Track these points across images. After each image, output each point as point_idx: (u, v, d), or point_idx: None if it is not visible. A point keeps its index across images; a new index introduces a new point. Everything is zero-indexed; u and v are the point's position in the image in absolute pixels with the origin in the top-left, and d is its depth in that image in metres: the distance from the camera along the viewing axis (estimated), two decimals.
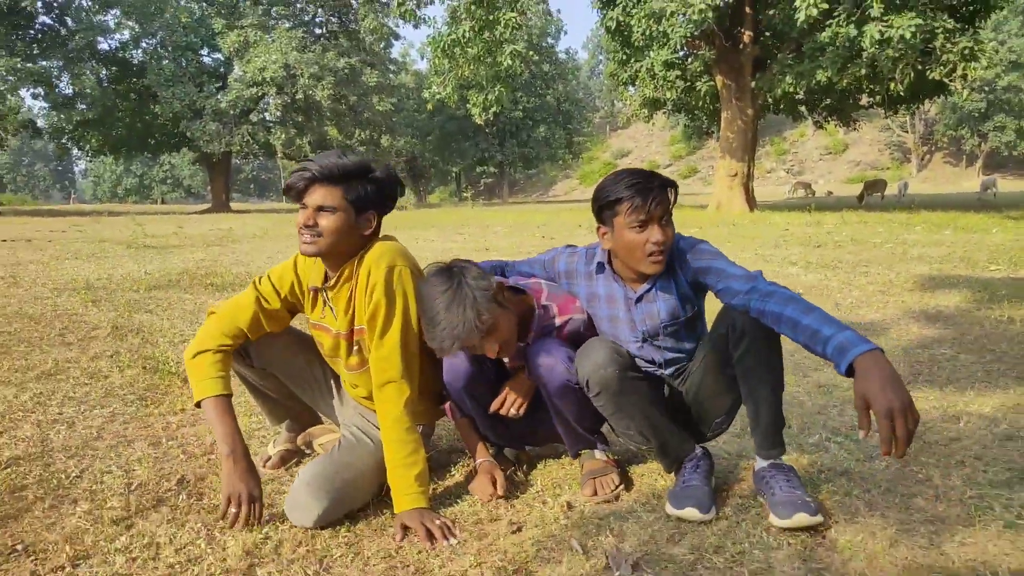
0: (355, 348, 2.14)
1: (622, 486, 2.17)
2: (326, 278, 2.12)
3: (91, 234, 12.76)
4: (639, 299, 2.12)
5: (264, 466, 2.39)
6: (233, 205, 38.60)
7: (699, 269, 2.03)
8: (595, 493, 2.12)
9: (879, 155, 58.87)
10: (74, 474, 2.32)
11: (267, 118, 35.49)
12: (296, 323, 2.35)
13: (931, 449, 2.45)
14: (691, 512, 1.96)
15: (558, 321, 2.18)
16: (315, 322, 2.20)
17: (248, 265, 8.04)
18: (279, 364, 2.30)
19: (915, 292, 5.72)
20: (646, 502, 2.12)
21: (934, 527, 1.91)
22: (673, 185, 2.05)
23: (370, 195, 2.01)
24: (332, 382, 2.37)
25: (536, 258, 2.42)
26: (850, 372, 1.61)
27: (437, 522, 1.92)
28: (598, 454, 2.26)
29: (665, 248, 2.01)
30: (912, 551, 1.78)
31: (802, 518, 1.84)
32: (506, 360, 2.21)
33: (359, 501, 2.07)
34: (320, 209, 1.97)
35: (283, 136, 33.85)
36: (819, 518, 1.86)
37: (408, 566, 1.78)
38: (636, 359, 2.17)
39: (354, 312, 2.09)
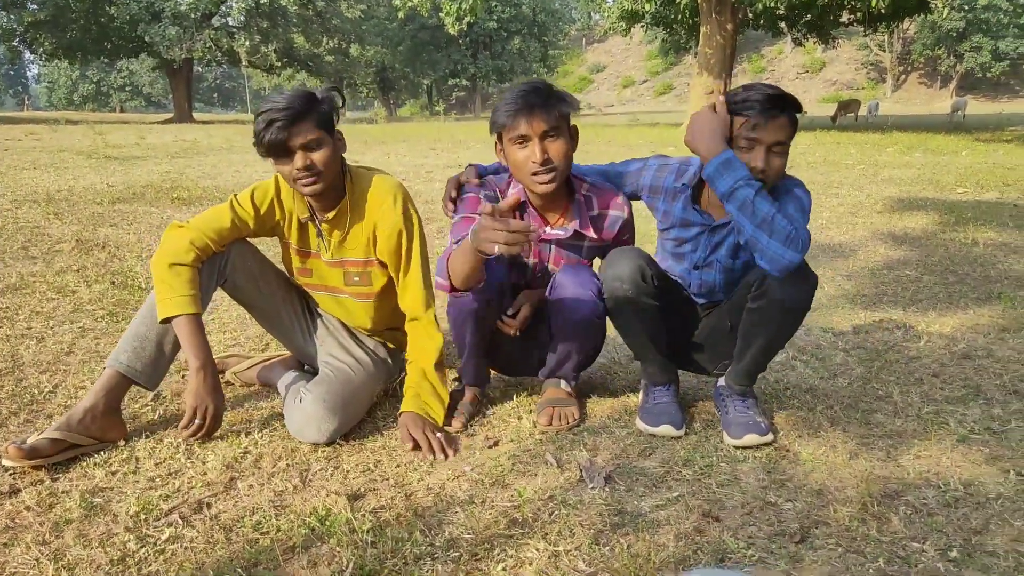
0: (356, 279, 2.15)
1: (578, 423, 2.11)
2: (311, 211, 2.08)
3: (49, 143, 12.29)
4: (714, 228, 2.02)
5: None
6: (196, 115, 37.33)
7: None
8: (550, 423, 2.08)
9: (855, 74, 58.41)
10: (47, 389, 2.31)
11: (230, 23, 33.94)
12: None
13: (892, 368, 2.54)
14: (666, 429, 2.02)
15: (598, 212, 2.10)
16: (303, 249, 2.16)
17: (215, 179, 7.85)
18: (254, 299, 2.22)
19: (884, 214, 5.79)
20: (619, 418, 2.18)
21: (892, 441, 1.99)
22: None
23: (329, 115, 1.99)
24: (307, 316, 2.32)
25: (616, 167, 2.22)
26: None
27: (439, 435, 2.00)
28: (563, 384, 2.21)
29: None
30: (871, 463, 1.87)
31: (752, 438, 1.95)
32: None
33: (359, 417, 2.12)
34: (307, 147, 1.91)
35: (247, 43, 32.48)
36: (768, 437, 1.96)
37: (387, 479, 1.82)
38: (675, 279, 2.15)
39: (371, 244, 2.09)
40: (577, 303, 2.00)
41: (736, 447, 1.96)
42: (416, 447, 1.96)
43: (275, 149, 1.90)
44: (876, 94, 51.19)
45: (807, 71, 60.73)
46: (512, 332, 2.12)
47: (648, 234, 2.50)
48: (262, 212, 2.09)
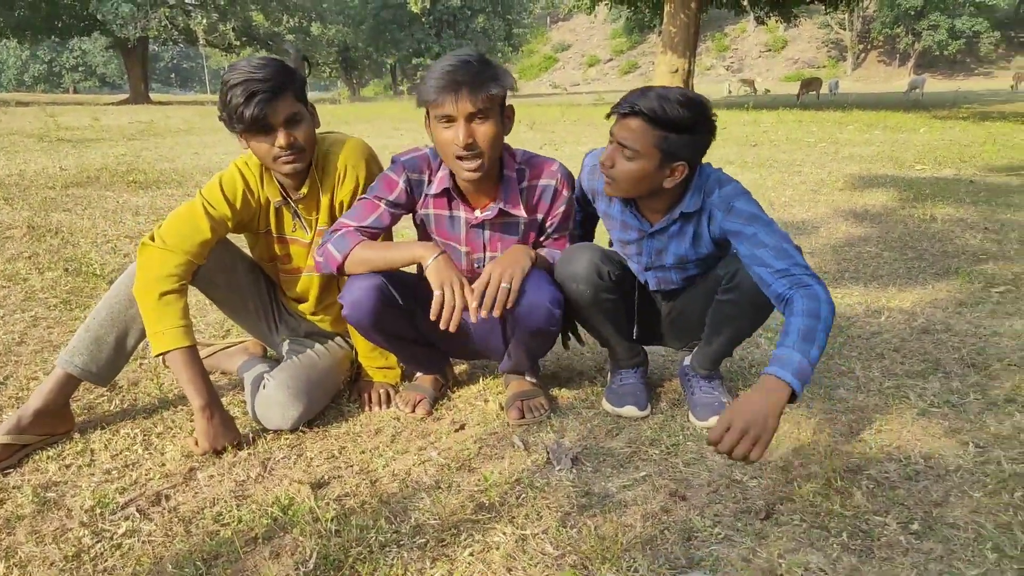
0: None
1: (549, 412, 2.06)
2: (283, 190, 1.98)
3: None
4: (652, 234, 1.93)
5: None
6: (153, 96, 36.38)
7: (729, 231, 1.79)
8: (522, 416, 2.01)
9: (816, 53, 59.02)
10: None
11: (186, 0, 33.00)
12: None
13: (853, 343, 2.57)
14: (630, 410, 2.02)
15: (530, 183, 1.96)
16: (280, 235, 2.06)
17: (173, 161, 7.65)
18: (223, 289, 2.11)
19: (845, 191, 5.86)
20: (585, 398, 2.18)
21: (854, 416, 2.02)
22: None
23: (303, 86, 1.89)
24: (273, 304, 2.24)
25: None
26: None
27: (382, 391, 2.16)
28: (527, 376, 2.16)
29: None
30: (834, 439, 1.89)
31: (716, 420, 1.86)
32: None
33: (324, 403, 2.08)
34: (289, 123, 1.81)
35: (204, 21, 31.62)
36: None
37: (352, 465, 1.80)
38: (629, 270, 2.07)
39: (342, 209, 2.01)
40: (531, 310, 1.83)
41: (701, 428, 1.97)
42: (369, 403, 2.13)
43: (257, 125, 1.77)
44: (837, 72, 51.86)
45: (769, 50, 61.22)
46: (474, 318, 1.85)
47: None
48: (237, 207, 1.94)
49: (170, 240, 1.85)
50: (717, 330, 1.98)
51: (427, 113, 1.81)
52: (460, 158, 1.77)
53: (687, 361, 2.16)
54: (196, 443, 1.81)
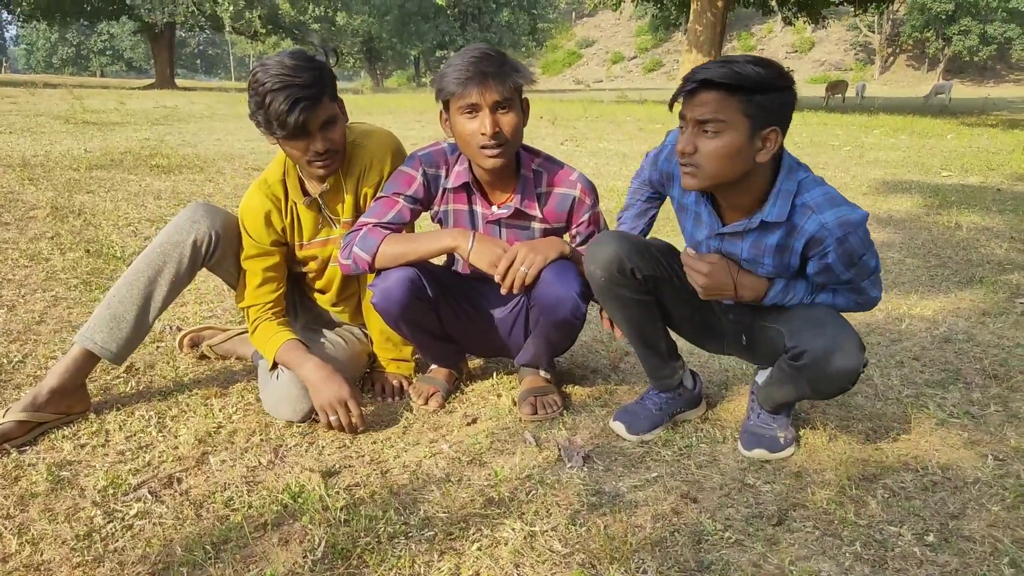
0: None
1: (562, 410, 2.04)
2: (302, 186, 1.99)
3: (26, 107, 12.01)
4: (721, 235, 1.69)
5: (182, 344, 2.38)
6: (179, 81, 36.64)
7: (820, 265, 1.59)
8: (535, 412, 1.99)
9: (844, 55, 58.33)
10: (16, 359, 2.25)
11: None
12: None
13: (873, 350, 2.54)
14: (616, 426, 1.92)
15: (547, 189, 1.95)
16: (309, 242, 2.05)
17: (196, 147, 7.71)
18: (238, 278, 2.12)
19: (869, 196, 5.79)
20: (599, 397, 2.17)
21: (871, 424, 1.99)
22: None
23: (333, 81, 1.87)
24: (293, 295, 2.24)
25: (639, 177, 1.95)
26: None
27: (395, 382, 2.17)
28: (542, 372, 2.15)
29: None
30: (850, 446, 1.86)
31: (760, 453, 1.80)
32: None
33: None
34: (325, 126, 1.80)
35: (231, 8, 31.77)
36: (781, 454, 1.80)
37: (363, 456, 1.80)
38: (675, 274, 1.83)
39: (367, 202, 2.00)
40: (558, 302, 1.83)
41: (742, 457, 1.82)
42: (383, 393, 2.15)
43: (297, 132, 1.77)
44: (864, 75, 51.19)
45: (796, 51, 60.57)
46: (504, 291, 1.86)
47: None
48: (269, 235, 1.99)
49: (250, 299, 2.02)
50: (781, 387, 1.76)
51: (444, 108, 1.82)
52: (484, 148, 1.77)
53: (759, 378, 1.93)
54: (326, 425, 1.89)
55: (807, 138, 10.44)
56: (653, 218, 1.99)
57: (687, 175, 1.55)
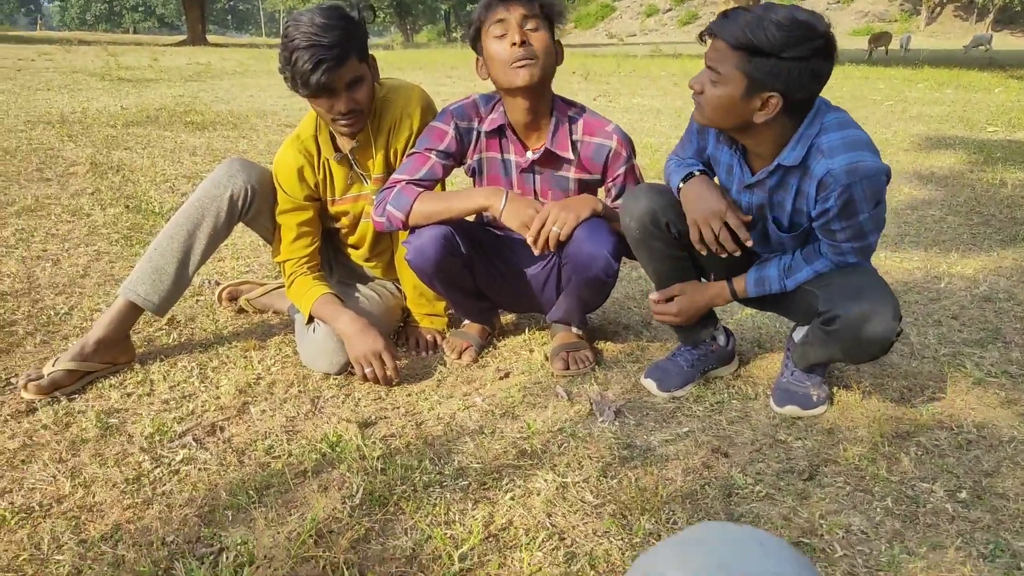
0: None
1: (593, 365, 2.05)
2: (334, 143, 2.00)
3: (62, 64, 12.14)
4: (750, 186, 1.68)
5: (221, 298, 2.42)
6: (210, 38, 36.62)
7: (820, 208, 1.57)
8: (567, 367, 2.01)
9: (889, 5, 56.19)
10: (63, 311, 2.33)
11: None
12: None
13: (911, 308, 2.50)
14: (648, 382, 1.93)
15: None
16: (341, 198, 2.07)
17: (229, 103, 7.74)
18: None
19: (910, 152, 5.64)
20: (630, 353, 2.17)
21: (907, 382, 1.98)
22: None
23: (366, 41, 1.88)
24: (327, 250, 2.27)
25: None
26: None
27: (429, 336, 2.21)
28: (574, 328, 2.15)
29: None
30: (884, 404, 1.85)
31: (792, 410, 1.79)
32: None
33: None
34: (351, 86, 1.82)
35: None
36: (814, 411, 1.79)
37: (398, 408, 1.84)
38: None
39: (397, 158, 2.02)
40: (591, 260, 1.83)
41: (773, 414, 1.82)
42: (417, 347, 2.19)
43: (321, 90, 1.79)
44: (909, 27, 49.31)
45: (839, 1, 58.51)
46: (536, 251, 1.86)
47: None
48: (303, 190, 2.01)
49: (285, 254, 2.05)
50: (815, 347, 1.74)
51: (477, 50, 1.86)
52: (515, 63, 1.78)
53: (796, 336, 1.87)
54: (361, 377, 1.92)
55: (848, 92, 10.14)
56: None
57: (696, 109, 1.61)
